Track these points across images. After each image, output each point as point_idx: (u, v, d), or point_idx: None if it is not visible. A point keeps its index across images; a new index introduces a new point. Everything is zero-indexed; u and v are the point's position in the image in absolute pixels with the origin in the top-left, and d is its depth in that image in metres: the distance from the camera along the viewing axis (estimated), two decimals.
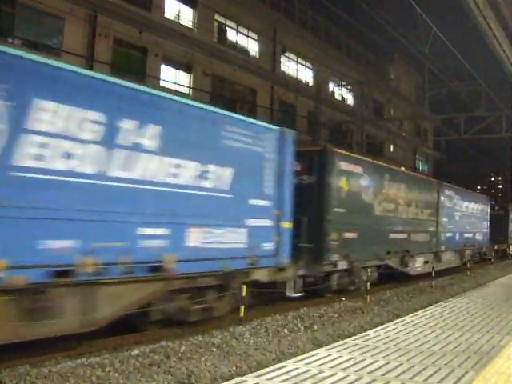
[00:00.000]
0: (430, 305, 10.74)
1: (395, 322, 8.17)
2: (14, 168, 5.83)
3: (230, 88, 25.63)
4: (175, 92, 21.24)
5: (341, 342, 6.62)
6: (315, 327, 9.00)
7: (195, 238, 7.92)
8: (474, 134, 28.81)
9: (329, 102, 30.43)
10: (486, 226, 27.87)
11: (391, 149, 40.28)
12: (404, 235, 16.07)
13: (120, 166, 6.92)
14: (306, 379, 4.76)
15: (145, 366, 6.25)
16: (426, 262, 17.66)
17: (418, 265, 17.02)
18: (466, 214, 24.06)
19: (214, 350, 7.16)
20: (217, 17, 24.77)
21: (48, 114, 6.16)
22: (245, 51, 26.53)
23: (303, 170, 11.87)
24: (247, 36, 26.83)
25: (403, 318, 8.48)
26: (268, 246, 9.47)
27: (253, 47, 27.21)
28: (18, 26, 17.05)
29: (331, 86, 33.65)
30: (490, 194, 54.15)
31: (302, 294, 11.11)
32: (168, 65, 22.23)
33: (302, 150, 11.83)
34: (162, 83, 21.02)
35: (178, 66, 22.65)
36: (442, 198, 20.12)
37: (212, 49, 23.43)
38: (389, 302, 12.45)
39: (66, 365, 6.14)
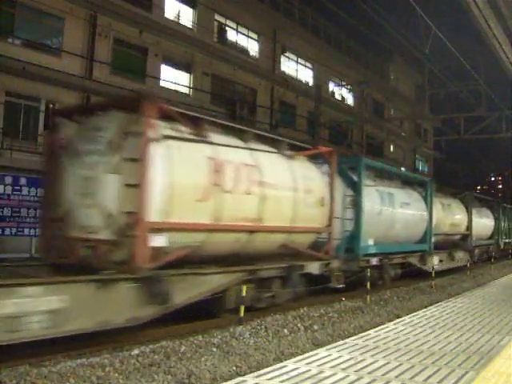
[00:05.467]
0: (430, 305, 10.73)
1: (395, 322, 8.16)
2: None
3: (230, 88, 25.64)
4: (175, 92, 21.26)
5: (341, 341, 6.61)
6: (315, 327, 8.99)
7: None
8: (473, 133, 28.79)
9: (329, 102, 30.44)
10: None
11: (391, 149, 40.30)
12: None
13: None
14: (305, 379, 4.76)
15: (145, 366, 6.25)
16: None
17: None
18: None
19: (214, 350, 7.15)
20: (217, 17, 24.79)
21: None
22: (245, 51, 26.54)
23: None
24: (247, 36, 26.84)
25: (403, 318, 8.48)
26: None
27: (253, 47, 27.22)
28: (18, 25, 17.06)
29: (331, 86, 33.67)
30: (490, 194, 54.15)
31: None
32: (168, 65, 22.25)
33: None
34: (162, 83, 21.06)
35: (177, 65, 22.67)
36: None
37: (212, 49, 23.44)
38: (389, 301, 12.43)
39: (65, 365, 6.13)
